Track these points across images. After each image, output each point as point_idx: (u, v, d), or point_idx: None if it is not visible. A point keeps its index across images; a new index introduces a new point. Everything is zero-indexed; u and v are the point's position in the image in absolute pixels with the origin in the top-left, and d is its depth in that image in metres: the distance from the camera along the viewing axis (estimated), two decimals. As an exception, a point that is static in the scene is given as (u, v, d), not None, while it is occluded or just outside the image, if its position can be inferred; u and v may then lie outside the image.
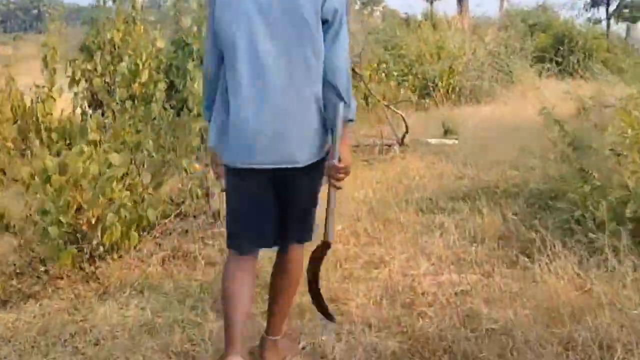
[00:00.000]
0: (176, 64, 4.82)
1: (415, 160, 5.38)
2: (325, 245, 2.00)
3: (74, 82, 5.13)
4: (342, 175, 1.92)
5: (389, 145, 5.79)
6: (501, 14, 18.79)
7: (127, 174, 3.28)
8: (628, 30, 22.71)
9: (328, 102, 1.89)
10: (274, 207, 1.98)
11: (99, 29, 5.25)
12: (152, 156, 3.79)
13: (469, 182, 4.53)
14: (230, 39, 1.87)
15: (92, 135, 3.65)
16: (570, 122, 4.45)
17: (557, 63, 12.38)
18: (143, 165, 3.60)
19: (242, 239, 2.00)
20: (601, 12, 20.97)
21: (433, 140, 6.17)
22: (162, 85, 4.67)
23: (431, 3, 32.09)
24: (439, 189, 4.37)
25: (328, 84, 1.88)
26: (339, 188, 1.94)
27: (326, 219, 1.95)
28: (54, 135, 4.86)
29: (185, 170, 3.80)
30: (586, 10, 20.63)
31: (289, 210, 1.99)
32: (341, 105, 1.87)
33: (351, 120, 1.95)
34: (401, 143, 5.84)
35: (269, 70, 1.84)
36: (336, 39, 1.88)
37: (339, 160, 1.88)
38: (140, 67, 4.81)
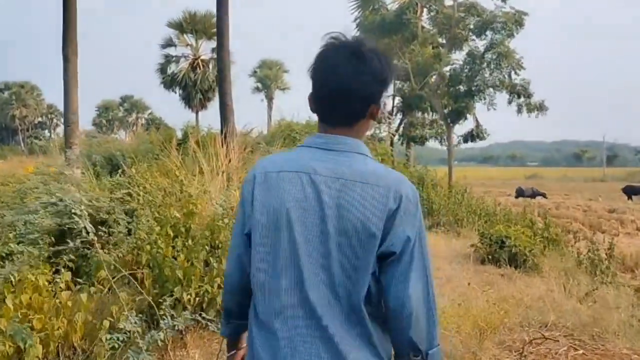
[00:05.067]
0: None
1: None
2: None
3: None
4: None
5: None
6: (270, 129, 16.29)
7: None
8: (407, 148, 22.28)
9: (399, 355, 1.38)
10: None
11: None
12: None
13: None
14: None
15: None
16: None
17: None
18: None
19: None
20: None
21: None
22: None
23: (196, 113, 28.19)
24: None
25: (397, 334, 1.36)
26: None
27: None
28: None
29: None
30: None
31: None
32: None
33: None
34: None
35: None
36: (407, 276, 1.33)
37: None
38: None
